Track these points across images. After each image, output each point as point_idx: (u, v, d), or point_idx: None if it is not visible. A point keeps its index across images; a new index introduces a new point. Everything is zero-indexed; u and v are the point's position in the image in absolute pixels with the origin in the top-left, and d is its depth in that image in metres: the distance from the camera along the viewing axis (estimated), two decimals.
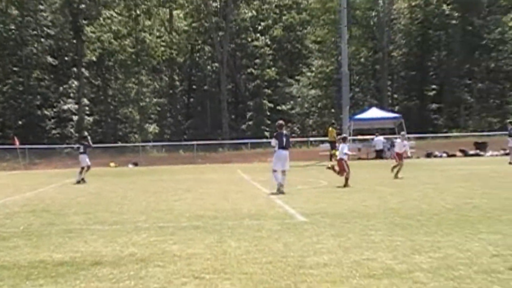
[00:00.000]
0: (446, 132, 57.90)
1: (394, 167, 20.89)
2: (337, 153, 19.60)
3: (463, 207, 11.96)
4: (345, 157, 18.64)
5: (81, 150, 25.04)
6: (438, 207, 12.00)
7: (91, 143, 26.17)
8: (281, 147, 16.67)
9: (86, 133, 31.71)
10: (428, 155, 39.52)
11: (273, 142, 16.95)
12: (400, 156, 21.22)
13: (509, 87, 70.88)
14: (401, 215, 10.98)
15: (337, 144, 20.15)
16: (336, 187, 17.65)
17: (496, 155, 38.29)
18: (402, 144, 21.50)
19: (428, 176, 20.93)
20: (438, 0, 67.64)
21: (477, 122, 65.41)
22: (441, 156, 39.17)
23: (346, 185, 17.82)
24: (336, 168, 18.92)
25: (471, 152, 40.14)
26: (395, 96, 70.97)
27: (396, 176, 20.17)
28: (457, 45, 67.07)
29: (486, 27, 67.69)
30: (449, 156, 39.44)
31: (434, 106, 67.21)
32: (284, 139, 16.76)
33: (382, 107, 53.10)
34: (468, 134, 54.06)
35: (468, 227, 9.34)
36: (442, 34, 68.19)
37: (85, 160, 24.44)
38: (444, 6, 66.90)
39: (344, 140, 19.45)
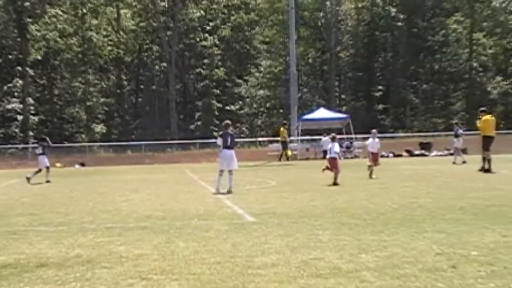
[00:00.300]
0: (392, 133, 58.82)
1: (370, 166, 20.81)
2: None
3: (409, 206, 12.15)
4: (337, 156, 18.91)
5: (40, 151, 24.63)
6: (385, 207, 12.16)
7: (50, 143, 25.83)
8: (225, 146, 16.77)
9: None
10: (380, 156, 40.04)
11: (219, 141, 17.02)
12: (375, 156, 21.16)
13: (452, 89, 72.50)
14: (349, 215, 11.09)
15: (329, 144, 20.13)
16: (324, 186, 17.72)
17: (441, 155, 39.07)
18: (375, 142, 21.41)
19: (375, 176, 21.18)
20: (384, 2, 68.69)
21: (422, 123, 66.65)
22: (387, 156, 39.73)
23: (335, 183, 18.03)
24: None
25: (417, 152, 40.85)
26: (343, 96, 71.79)
27: (370, 177, 20.14)
28: (403, 46, 68.23)
29: (430, 30, 69.10)
30: (395, 156, 40.08)
31: (380, 106, 68.20)
32: (229, 139, 16.81)
33: (330, 108, 53.59)
34: (414, 134, 55.04)
35: (413, 226, 9.49)
36: (388, 36, 69.28)
37: (44, 161, 24.23)
38: (390, 8, 67.98)
39: (333, 139, 19.64)
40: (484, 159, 21.93)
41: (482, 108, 24.99)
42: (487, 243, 7.88)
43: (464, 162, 28.57)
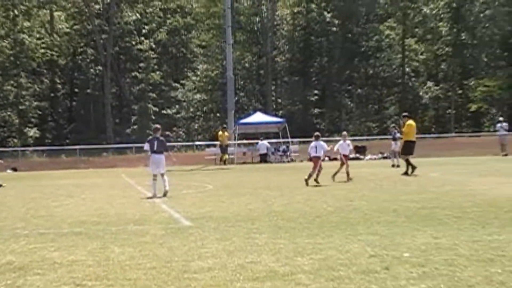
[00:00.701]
0: (328, 137, 59.47)
1: (339, 169, 20.86)
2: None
3: (344, 209, 12.31)
4: (321, 155, 19.31)
5: None
6: (321, 210, 12.28)
7: None
8: (153, 151, 16.82)
9: None
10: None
11: (146, 146, 17.06)
12: (346, 158, 21.19)
13: (386, 93, 73.99)
14: (285, 218, 11.16)
15: (312, 143, 20.25)
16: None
17: (375, 159, 39.74)
18: (345, 144, 21.50)
19: (311, 179, 21.38)
20: (319, 8, 69.57)
21: (357, 127, 67.75)
22: (323, 160, 40.12)
23: (316, 181, 18.72)
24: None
25: (352, 155, 41.38)
26: (279, 100, 72.28)
27: (348, 178, 20.22)
28: (338, 51, 69.22)
29: (364, 35, 70.36)
30: (331, 159, 40.47)
31: (316, 111, 68.96)
32: (156, 143, 16.82)
33: (266, 112, 53.90)
34: (349, 138, 55.79)
35: (348, 229, 9.62)
36: (323, 41, 70.15)
37: None
38: (325, 14, 68.87)
39: (317, 138, 19.93)
40: (407, 162, 22.44)
41: (404, 113, 25.56)
42: (419, 245, 8.05)
43: (398, 166, 29.08)
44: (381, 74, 72.81)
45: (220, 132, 39.27)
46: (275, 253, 7.76)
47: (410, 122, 23.59)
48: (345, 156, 21.11)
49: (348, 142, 21.51)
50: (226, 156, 38.56)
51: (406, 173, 21.83)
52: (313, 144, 19.80)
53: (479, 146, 41.20)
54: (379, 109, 72.16)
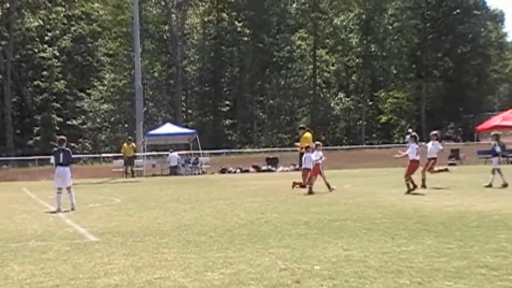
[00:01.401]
0: (240, 148, 59.91)
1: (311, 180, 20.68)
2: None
3: (255, 222, 12.39)
4: (311, 166, 19.60)
5: None
6: (231, 223, 12.31)
7: None
8: (58, 163, 16.46)
9: None
10: (223, 171, 40.53)
11: (52, 159, 16.68)
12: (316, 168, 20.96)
13: (298, 104, 75.12)
14: (195, 232, 11.13)
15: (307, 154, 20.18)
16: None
17: (287, 170, 40.21)
18: (319, 154, 21.34)
19: (222, 192, 21.43)
20: (230, 17, 69.97)
21: (269, 138, 68.43)
22: (235, 172, 40.33)
23: (294, 186, 19.58)
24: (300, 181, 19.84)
25: (264, 167, 41.79)
26: (190, 111, 72.15)
27: (311, 191, 20.10)
28: (249, 61, 69.85)
29: (276, 45, 71.20)
30: (242, 171, 40.75)
31: (228, 122, 69.22)
32: (61, 155, 16.45)
33: (176, 123, 53.65)
34: (261, 150, 56.36)
35: (259, 242, 9.68)
36: (234, 51, 70.57)
37: None
38: (236, 23, 69.32)
39: (307, 148, 20.18)
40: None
41: (301, 125, 26.05)
42: (329, 257, 8.20)
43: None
44: (293, 85, 73.95)
45: (125, 145, 38.88)
46: (184, 268, 7.72)
47: (307, 134, 24.10)
48: (317, 165, 20.83)
49: (320, 153, 21.23)
50: (130, 169, 38.20)
51: (302, 186, 22.32)
52: (305, 155, 20.17)
53: (390, 157, 42.30)
54: (291, 120, 73.19)
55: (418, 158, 19.71)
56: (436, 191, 19.19)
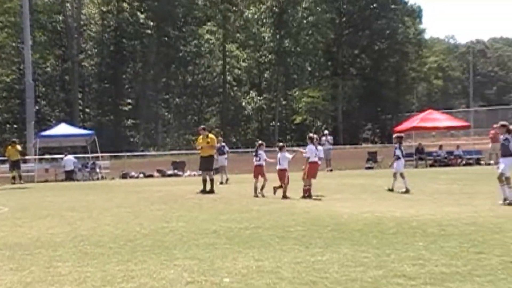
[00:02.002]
0: (143, 151, 59.35)
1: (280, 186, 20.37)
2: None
3: (160, 231, 12.31)
4: (286, 167, 19.73)
5: None
6: (133, 233, 12.19)
7: None
8: None
9: None
10: (124, 176, 40.03)
11: None
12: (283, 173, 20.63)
13: (207, 103, 75.07)
14: (92, 243, 10.95)
15: (278, 154, 19.97)
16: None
17: (195, 175, 40.11)
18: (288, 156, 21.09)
19: (123, 199, 21.17)
20: (131, 8, 69.11)
21: (175, 140, 68.07)
22: (137, 177, 39.90)
23: (285, 196, 19.21)
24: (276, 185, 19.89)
25: (169, 172, 41.53)
26: (87, 110, 70.89)
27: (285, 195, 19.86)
28: (153, 56, 69.31)
29: (182, 39, 70.87)
30: (146, 176, 40.36)
31: (130, 122, 68.44)
32: None
33: (72, 123, 52.62)
34: (166, 152, 56.01)
35: (164, 253, 9.63)
36: (137, 44, 69.85)
37: None
38: (139, 14, 68.59)
39: (281, 148, 20.29)
40: (211, 179, 23.15)
41: (202, 126, 26.06)
42: (240, 269, 8.24)
43: (226, 181, 29.59)
44: (201, 82, 73.88)
45: (9, 147, 37.87)
46: (80, 283, 7.59)
47: (211, 136, 24.21)
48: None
49: (287, 154, 21.01)
50: (15, 173, 37.23)
51: (209, 191, 22.49)
52: (279, 155, 20.20)
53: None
54: (199, 120, 73.04)
55: (316, 159, 20.28)
56: (352, 196, 19.60)
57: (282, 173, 20.06)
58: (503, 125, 16.80)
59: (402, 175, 21.00)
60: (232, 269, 8.23)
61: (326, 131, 43.59)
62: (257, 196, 20.42)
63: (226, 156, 31.65)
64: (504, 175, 15.98)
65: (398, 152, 21.50)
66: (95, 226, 13.50)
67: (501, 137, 16.64)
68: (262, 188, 20.92)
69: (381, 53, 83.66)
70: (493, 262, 8.33)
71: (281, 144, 21.25)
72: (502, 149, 16.50)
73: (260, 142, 23.12)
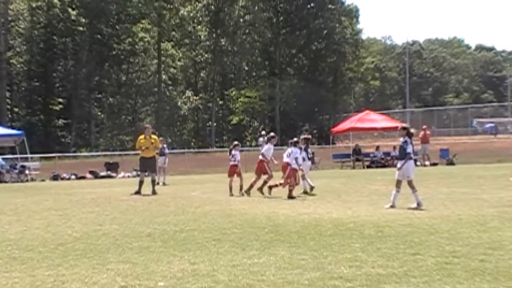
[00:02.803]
0: (75, 152, 58.52)
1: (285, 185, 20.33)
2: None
3: (92, 234, 12.16)
4: (293, 163, 19.74)
5: None
6: (65, 236, 12.02)
7: None
8: None
9: None
10: (55, 178, 39.40)
11: None
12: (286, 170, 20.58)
13: (141, 103, 74.46)
14: (21, 247, 10.75)
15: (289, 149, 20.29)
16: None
17: (129, 176, 39.78)
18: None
19: (54, 201, 20.85)
20: (62, 4, 67.89)
21: (108, 141, 67.29)
22: (69, 179, 39.33)
23: (290, 196, 19.16)
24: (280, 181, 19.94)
25: (102, 173, 41.08)
26: (16, 110, 69.44)
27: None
28: (85, 54, 68.34)
29: (115, 37, 70.12)
30: (78, 178, 39.82)
31: (61, 122, 67.34)
32: None
33: (0, 123, 51.53)
34: (99, 153, 55.34)
35: (96, 257, 9.52)
36: (68, 42, 68.74)
37: None
38: (70, 11, 67.52)
39: (295, 144, 20.35)
40: (153, 181, 23.10)
41: (147, 125, 25.89)
42: (175, 272, 8.21)
43: (164, 184, 29.50)
44: (136, 81, 73.25)
45: None
46: None
47: (153, 137, 24.09)
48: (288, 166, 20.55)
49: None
50: None
51: (139, 192, 22.51)
52: (289, 150, 20.46)
53: (242, 161, 42.99)
54: (133, 120, 72.42)
55: (288, 160, 20.32)
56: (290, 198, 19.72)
57: (292, 172, 20.18)
58: (403, 128, 16.82)
59: (303, 176, 21.18)
60: (167, 273, 8.19)
61: (263, 132, 43.76)
62: (232, 195, 20.96)
63: (166, 157, 31.61)
64: (398, 180, 16.08)
65: (303, 154, 21.67)
66: (24, 230, 13.26)
67: (401, 139, 16.45)
68: (241, 188, 21.48)
69: (318, 53, 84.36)
70: (429, 263, 8.50)
71: (295, 139, 21.52)
72: (400, 152, 16.44)
73: (235, 142, 23.66)
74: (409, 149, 15.93)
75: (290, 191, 19.72)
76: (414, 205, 15.49)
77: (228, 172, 22.45)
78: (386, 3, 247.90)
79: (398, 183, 16.04)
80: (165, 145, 32.35)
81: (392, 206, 15.66)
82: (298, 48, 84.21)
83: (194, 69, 78.93)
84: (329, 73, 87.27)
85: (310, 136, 24.56)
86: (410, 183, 15.91)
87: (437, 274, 7.83)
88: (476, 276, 7.69)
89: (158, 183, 29.02)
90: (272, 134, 22.73)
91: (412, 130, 17.02)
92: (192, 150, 59.84)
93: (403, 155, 16.07)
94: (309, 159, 22.51)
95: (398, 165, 16.31)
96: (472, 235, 10.97)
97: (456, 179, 24.59)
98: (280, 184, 20.37)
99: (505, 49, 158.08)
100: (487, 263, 8.43)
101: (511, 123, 75.81)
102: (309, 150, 22.94)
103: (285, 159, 20.47)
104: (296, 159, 20.09)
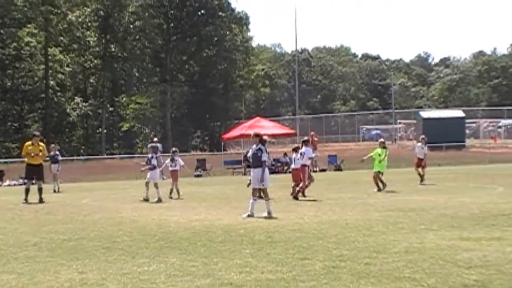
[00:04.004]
0: None
1: (305, 186, 20.64)
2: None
3: None
4: (309, 163, 20.06)
5: None
6: None
7: None
8: None
9: None
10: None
11: None
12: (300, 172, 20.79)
13: (28, 109, 72.49)
14: None
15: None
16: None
17: (15, 185, 38.72)
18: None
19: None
20: None
21: None
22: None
23: (297, 195, 19.65)
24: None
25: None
26: None
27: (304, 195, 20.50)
28: None
29: (0, 41, 68.05)
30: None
31: None
32: None
33: None
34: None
35: None
36: None
37: None
38: None
39: (306, 143, 20.80)
40: (40, 189, 22.62)
41: (37, 132, 25.33)
42: (62, 282, 8.04)
43: (58, 191, 28.94)
44: (22, 87, 71.16)
45: None
46: None
47: (41, 144, 23.57)
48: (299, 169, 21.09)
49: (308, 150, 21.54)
50: None
51: (26, 200, 22.12)
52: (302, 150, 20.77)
53: (132, 169, 42.58)
54: (19, 127, 70.40)
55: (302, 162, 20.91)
56: (181, 205, 19.71)
57: (301, 171, 20.70)
58: (256, 135, 16.37)
59: (156, 185, 21.30)
60: (54, 283, 8.02)
61: (155, 138, 43.50)
62: (171, 198, 21.78)
63: (59, 164, 31.09)
64: (254, 188, 15.94)
65: (154, 162, 21.79)
66: None
67: (254, 147, 16.13)
68: (171, 192, 22.36)
69: (209, 60, 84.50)
70: (317, 267, 8.66)
71: (305, 138, 21.80)
72: (254, 160, 16.00)
73: (174, 148, 24.37)
74: (264, 157, 15.70)
75: (298, 191, 20.21)
76: (265, 214, 15.28)
77: (171, 177, 23.26)
78: (275, 11, 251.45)
79: (254, 191, 15.87)
80: (57, 152, 31.82)
81: (250, 215, 15.30)
82: (189, 55, 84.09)
83: (83, 75, 77.53)
84: (220, 80, 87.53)
85: (156, 145, 24.86)
86: (265, 191, 15.81)
87: (324, 278, 7.99)
88: (361, 279, 7.89)
89: (55, 191, 28.60)
90: (306, 137, 23.53)
91: (301, 141, 17.42)
92: (81, 157, 58.73)
93: (258, 162, 15.75)
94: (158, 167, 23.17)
95: (252, 174, 16.01)
96: (358, 239, 11.26)
97: (343, 185, 25.20)
98: (300, 188, 20.57)
99: (389, 57, 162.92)
100: (372, 266, 8.67)
101: (395, 130, 78.28)
102: (159, 158, 23.84)
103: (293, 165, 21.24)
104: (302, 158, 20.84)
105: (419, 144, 28.17)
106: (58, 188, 29.51)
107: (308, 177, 21.22)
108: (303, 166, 20.92)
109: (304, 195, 20.61)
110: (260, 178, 15.67)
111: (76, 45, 74.07)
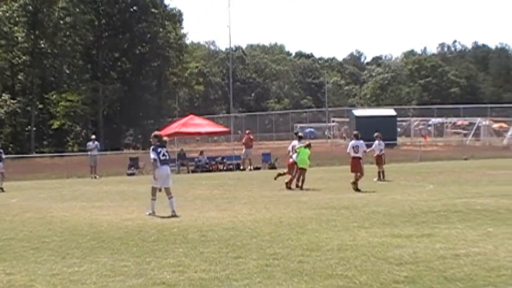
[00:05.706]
0: None
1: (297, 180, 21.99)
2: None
3: None
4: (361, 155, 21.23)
5: None
6: None
7: None
8: None
9: None
10: None
11: None
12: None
13: None
14: None
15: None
16: None
17: None
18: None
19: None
20: None
21: None
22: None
23: (357, 189, 20.50)
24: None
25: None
26: None
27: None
28: None
29: None
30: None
31: None
32: None
33: None
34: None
35: None
36: None
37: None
38: None
39: (357, 136, 21.68)
40: None
41: None
42: None
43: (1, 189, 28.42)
44: None
45: None
46: None
47: None
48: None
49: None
50: None
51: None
52: (353, 143, 21.54)
53: (63, 167, 41.99)
54: None
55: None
56: (114, 204, 19.52)
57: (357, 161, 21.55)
58: (155, 136, 16.60)
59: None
60: None
61: (93, 136, 43.05)
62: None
63: (3, 162, 30.55)
64: (157, 188, 16.10)
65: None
66: None
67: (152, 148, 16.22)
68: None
69: (142, 57, 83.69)
70: (250, 266, 8.69)
71: (356, 132, 22.68)
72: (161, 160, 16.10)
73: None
74: (159, 157, 15.88)
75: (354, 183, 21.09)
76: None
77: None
78: (209, 8, 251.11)
79: (154, 190, 16.02)
80: (1, 150, 31.36)
81: (151, 214, 15.59)
82: (121, 52, 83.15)
83: (11, 71, 75.86)
84: (153, 78, 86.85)
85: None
86: (167, 190, 15.98)
87: (257, 276, 8.02)
88: (294, 277, 7.96)
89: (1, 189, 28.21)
90: (356, 132, 24.09)
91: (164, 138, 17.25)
92: (10, 155, 57.51)
93: (165, 161, 16.11)
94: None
95: (155, 173, 16.04)
96: (292, 237, 11.35)
97: (277, 183, 25.24)
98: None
99: (322, 56, 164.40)
100: (305, 264, 8.75)
101: (328, 128, 78.98)
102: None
103: (352, 154, 21.80)
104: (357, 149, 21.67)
105: (376, 141, 28.48)
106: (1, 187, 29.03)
107: (360, 169, 21.66)
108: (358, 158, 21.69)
109: (290, 188, 22.51)
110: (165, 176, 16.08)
111: (4, 40, 72.39)
